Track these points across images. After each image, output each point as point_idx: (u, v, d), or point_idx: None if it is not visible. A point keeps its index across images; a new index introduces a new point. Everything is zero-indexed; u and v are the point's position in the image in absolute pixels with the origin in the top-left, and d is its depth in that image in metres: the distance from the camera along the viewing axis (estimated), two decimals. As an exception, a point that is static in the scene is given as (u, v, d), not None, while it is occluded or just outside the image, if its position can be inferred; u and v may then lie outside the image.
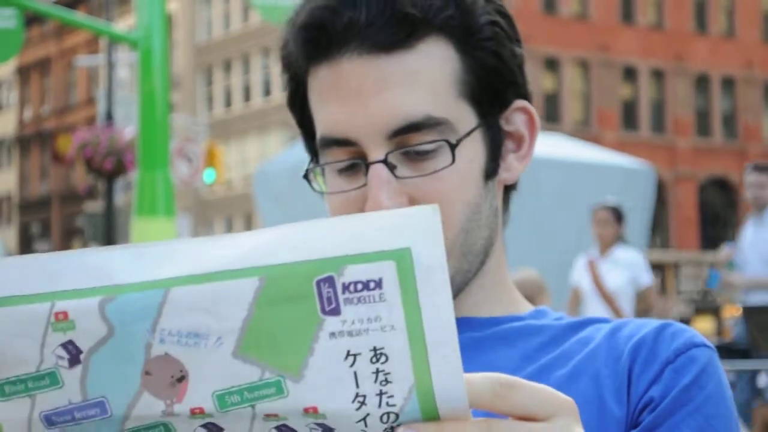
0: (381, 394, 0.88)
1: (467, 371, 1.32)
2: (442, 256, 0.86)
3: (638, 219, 11.40)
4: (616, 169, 11.86)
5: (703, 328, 43.15)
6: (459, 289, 1.35)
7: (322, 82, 1.33)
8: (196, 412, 0.89)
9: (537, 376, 1.30)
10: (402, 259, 0.85)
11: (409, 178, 1.30)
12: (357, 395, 0.88)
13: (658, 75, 48.11)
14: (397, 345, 0.87)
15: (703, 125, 48.94)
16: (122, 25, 39.53)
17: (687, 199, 47.21)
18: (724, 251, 9.52)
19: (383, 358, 0.87)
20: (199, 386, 0.88)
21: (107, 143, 20.93)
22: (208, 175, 24.26)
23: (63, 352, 0.88)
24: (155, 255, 0.88)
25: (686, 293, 46.60)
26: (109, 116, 23.62)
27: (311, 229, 0.86)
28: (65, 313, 0.87)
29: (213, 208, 52.43)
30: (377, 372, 0.87)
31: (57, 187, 62.00)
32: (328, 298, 0.86)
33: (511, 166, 1.40)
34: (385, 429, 0.90)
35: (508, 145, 1.40)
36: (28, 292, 0.88)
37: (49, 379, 0.89)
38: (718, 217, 48.61)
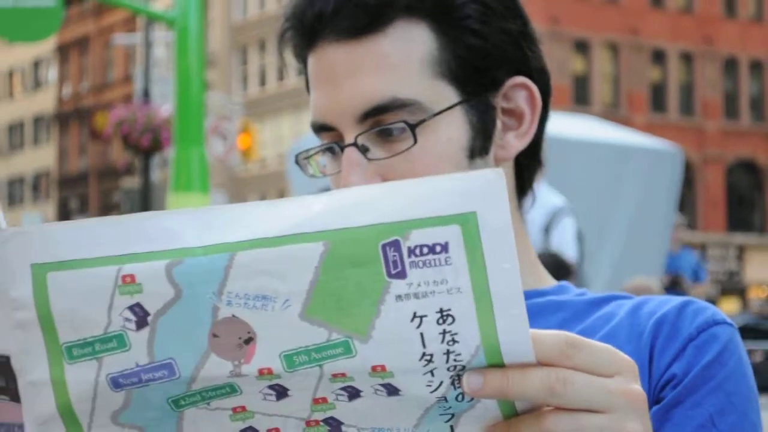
0: (448, 353, 0.88)
1: None
2: (508, 220, 0.86)
3: (665, 200, 11.36)
4: (645, 150, 11.79)
5: (728, 308, 43.00)
6: None
7: (310, 70, 1.36)
8: (264, 373, 0.90)
9: None
10: (467, 222, 0.85)
11: (382, 159, 1.31)
12: (424, 354, 0.88)
13: (686, 58, 47.83)
14: (463, 307, 0.87)
15: (731, 108, 48.65)
16: (159, 4, 39.56)
17: (714, 181, 46.97)
18: None
19: (450, 320, 0.87)
20: (267, 347, 0.89)
21: (144, 120, 20.98)
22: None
23: (130, 315, 0.88)
24: (222, 218, 0.88)
25: (713, 274, 46.35)
26: (146, 94, 23.66)
27: (377, 192, 0.87)
28: (132, 276, 0.87)
29: (247, 185, 52.49)
30: (444, 333, 0.88)
31: (95, 163, 62.18)
32: (394, 262, 0.86)
33: (508, 144, 1.38)
34: (452, 376, 0.90)
35: (507, 122, 1.38)
36: (96, 255, 0.88)
37: (117, 341, 0.89)
38: (745, 199, 48.36)
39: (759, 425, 1.27)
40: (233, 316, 0.88)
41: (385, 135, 1.31)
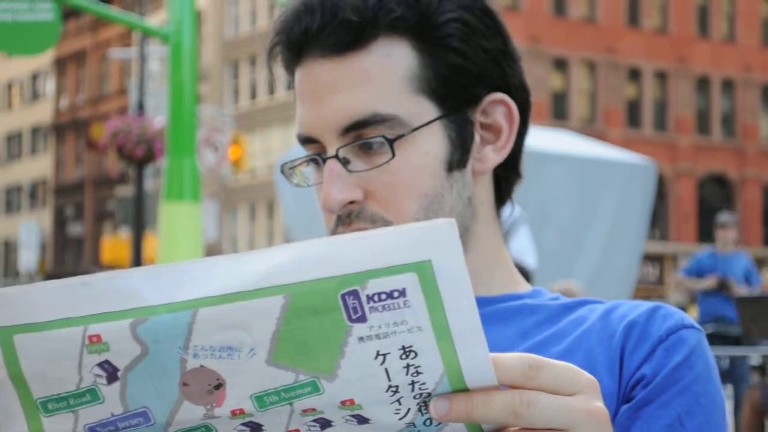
0: (413, 383, 0.89)
1: None
2: (462, 264, 0.86)
3: (639, 212, 11.40)
4: (620, 164, 11.84)
5: (697, 316, 43.05)
6: None
7: (296, 84, 1.36)
8: (236, 413, 0.90)
9: (534, 352, 1.30)
10: (423, 270, 0.85)
11: (362, 171, 1.31)
12: (390, 386, 0.89)
13: (661, 76, 47.97)
14: (424, 343, 0.87)
15: (703, 124, 48.81)
16: (154, 19, 39.55)
17: (686, 194, 47.10)
18: None
19: (412, 354, 0.87)
20: (237, 391, 0.89)
21: (138, 132, 20.94)
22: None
23: (100, 371, 0.88)
24: (185, 276, 0.86)
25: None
26: (140, 106, 23.64)
27: (333, 245, 0.86)
28: (98, 336, 0.87)
29: (237, 195, 52.45)
30: (408, 366, 0.88)
31: (90, 172, 62.06)
32: (354, 308, 0.86)
33: (485, 157, 1.37)
34: (418, 403, 0.90)
35: (486, 136, 1.38)
36: (62, 316, 0.87)
37: (90, 395, 0.89)
38: (715, 211, 48.32)
39: (725, 426, 1.28)
40: (201, 366, 0.87)
41: (365, 148, 1.31)
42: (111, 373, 0.88)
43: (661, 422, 1.24)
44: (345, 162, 1.32)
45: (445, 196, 1.34)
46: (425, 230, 0.85)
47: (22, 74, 69.17)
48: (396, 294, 0.85)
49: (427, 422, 0.92)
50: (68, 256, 63.94)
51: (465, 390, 0.89)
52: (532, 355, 0.93)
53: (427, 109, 1.32)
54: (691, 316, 1.30)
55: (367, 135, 1.31)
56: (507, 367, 0.91)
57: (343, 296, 0.85)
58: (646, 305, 1.33)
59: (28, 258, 50.58)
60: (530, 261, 7.34)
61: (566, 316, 1.36)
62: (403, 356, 0.87)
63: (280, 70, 1.40)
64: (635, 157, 12.64)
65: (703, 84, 48.90)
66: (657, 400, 1.25)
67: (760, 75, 49.85)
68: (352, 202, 1.32)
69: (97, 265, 53.38)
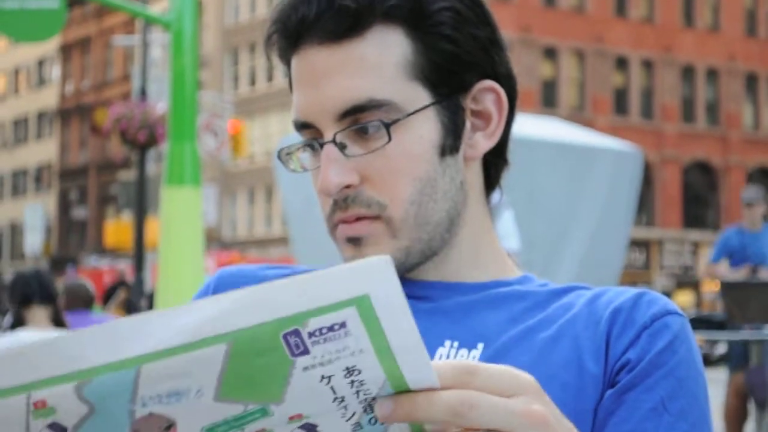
0: (358, 392, 0.89)
1: (455, 334, 1.34)
2: (400, 293, 0.86)
3: (626, 198, 11.39)
4: (608, 151, 11.83)
5: (683, 301, 43.16)
6: (423, 254, 1.35)
7: (293, 71, 1.36)
8: None
9: (522, 338, 1.31)
10: (362, 303, 0.85)
11: (359, 156, 1.31)
12: (336, 398, 0.89)
13: (647, 65, 47.95)
14: (367, 362, 0.87)
15: (688, 112, 48.82)
16: (156, 8, 39.44)
17: (672, 180, 47.13)
18: None
19: (356, 372, 0.88)
20: (188, 428, 0.88)
21: (141, 117, 20.90)
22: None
23: (49, 431, 0.87)
24: (122, 334, 0.84)
25: (669, 268, 46.57)
26: (143, 92, 23.58)
27: (271, 291, 0.85)
28: (43, 402, 0.85)
29: (237, 180, 52.42)
30: (352, 382, 0.88)
31: (94, 156, 61.99)
32: (296, 344, 0.85)
33: (477, 143, 1.38)
34: (364, 406, 0.91)
35: (476, 123, 1.38)
36: (5, 385, 0.85)
37: None
38: (700, 197, 48.54)
39: (707, 410, 1.28)
40: (150, 413, 0.87)
41: (362, 133, 1.31)
42: (61, 431, 0.87)
43: (645, 406, 1.24)
44: (342, 147, 1.31)
45: (438, 180, 1.34)
46: (361, 269, 0.85)
47: (28, 60, 69.02)
48: (337, 327, 0.85)
49: (372, 421, 0.92)
50: (72, 239, 63.89)
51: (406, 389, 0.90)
52: (466, 362, 0.94)
53: (421, 96, 1.32)
54: (676, 302, 1.30)
55: (363, 120, 1.30)
56: (441, 373, 0.91)
57: (284, 336, 0.85)
58: (631, 291, 1.33)
59: (33, 240, 50.50)
60: (513, 244, 7.35)
61: (554, 302, 1.36)
62: (347, 375, 0.88)
63: (277, 58, 1.40)
64: (622, 144, 12.63)
65: (688, 73, 48.89)
66: (641, 385, 1.25)
67: (743, 64, 49.85)
68: (348, 186, 1.32)
69: (100, 247, 53.37)
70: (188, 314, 0.84)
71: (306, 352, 0.86)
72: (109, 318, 9.26)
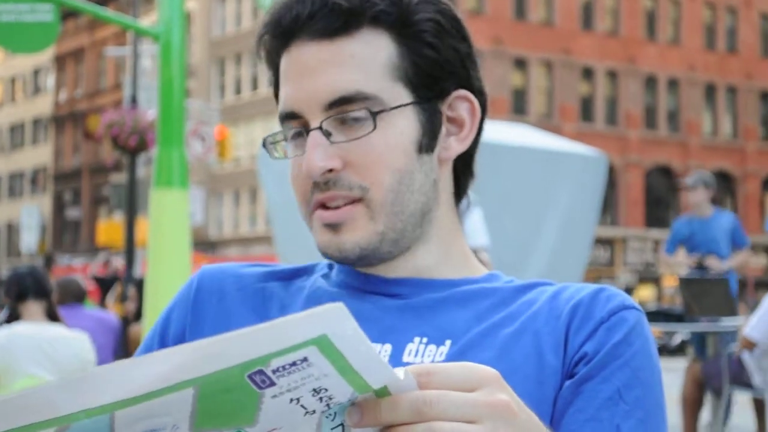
0: (328, 404, 0.90)
1: (425, 331, 1.34)
2: (356, 326, 0.86)
3: (591, 200, 11.43)
4: (575, 155, 11.86)
5: (644, 295, 43.30)
6: (395, 244, 1.36)
7: (284, 67, 1.37)
8: None
9: (487, 334, 1.32)
10: (321, 341, 0.85)
11: (343, 143, 1.32)
12: (307, 412, 0.90)
13: (612, 75, 48.08)
14: (333, 382, 0.88)
15: (650, 119, 48.97)
16: (146, 20, 39.34)
17: (635, 183, 47.27)
18: None
19: (324, 391, 0.88)
20: None
21: (131, 123, 20.81)
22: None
23: None
24: (94, 384, 0.84)
25: (632, 265, 46.71)
26: (134, 100, 23.50)
27: (235, 340, 0.84)
28: None
29: (223, 182, 52.32)
30: (321, 398, 0.89)
31: (87, 160, 61.77)
32: (262, 380, 0.86)
33: (450, 146, 1.40)
34: (329, 413, 0.92)
35: (450, 128, 1.40)
36: None
37: None
38: (661, 199, 48.69)
39: (662, 399, 1.28)
40: None
41: (348, 122, 1.33)
42: None
43: (601, 395, 1.24)
44: (327, 134, 1.33)
45: (415, 174, 1.35)
46: (319, 313, 0.85)
47: (24, 70, 68.78)
48: (299, 362, 0.86)
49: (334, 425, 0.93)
50: (66, 238, 63.66)
51: (369, 390, 0.91)
52: (422, 365, 0.94)
53: (403, 95, 1.34)
54: (638, 297, 1.30)
55: (350, 110, 1.32)
56: (402, 380, 0.92)
57: (249, 376, 0.85)
58: (591, 287, 1.34)
59: (29, 239, 50.26)
60: (483, 240, 7.37)
61: (518, 298, 1.37)
62: (315, 394, 0.88)
63: (263, 67, 1.41)
64: (588, 150, 12.67)
65: (650, 82, 49.04)
66: (598, 376, 1.25)
67: (702, 75, 50.05)
68: (331, 171, 1.33)
69: (93, 246, 53.18)
70: (155, 364, 0.84)
71: (272, 384, 0.86)
72: (104, 313, 9.22)
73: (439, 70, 1.36)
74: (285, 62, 1.37)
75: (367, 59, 1.33)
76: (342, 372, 0.87)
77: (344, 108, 1.32)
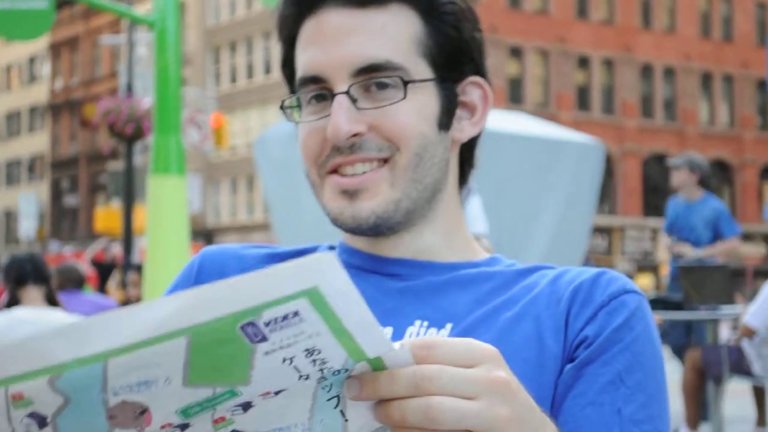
0: (322, 370, 0.89)
1: (425, 314, 1.34)
2: (348, 281, 0.85)
3: (589, 188, 11.42)
4: (571, 144, 11.85)
5: (643, 283, 43.34)
6: (407, 214, 1.36)
7: (307, 32, 1.37)
8: (165, 426, 0.89)
9: (487, 317, 1.32)
10: (312, 293, 0.84)
11: (369, 109, 1.33)
12: (301, 376, 0.89)
13: (608, 64, 48.07)
14: (326, 342, 0.87)
15: (647, 108, 48.98)
16: (141, 8, 39.27)
17: (632, 171, 47.29)
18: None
19: (317, 352, 0.87)
20: (162, 411, 0.88)
21: (128, 111, 20.81)
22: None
23: (30, 420, 0.87)
24: (88, 331, 0.84)
25: (630, 253, 46.75)
26: (129, 88, 23.50)
27: (224, 288, 0.84)
28: (20, 394, 0.86)
29: (219, 170, 52.31)
30: (314, 361, 0.88)
31: (84, 148, 61.74)
32: (255, 333, 0.85)
33: (464, 128, 1.42)
34: (325, 384, 0.91)
35: (463, 112, 1.42)
36: None
37: None
38: (658, 188, 48.69)
39: (664, 383, 1.28)
40: (123, 401, 0.87)
41: (376, 89, 1.33)
42: (40, 420, 0.87)
43: (602, 379, 1.24)
44: (353, 99, 1.33)
45: (437, 147, 1.37)
46: (309, 263, 0.84)
47: (20, 58, 68.68)
48: (291, 315, 0.85)
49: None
50: (64, 225, 63.65)
51: (365, 358, 0.89)
52: (425, 337, 0.94)
53: (427, 71, 1.37)
54: (637, 285, 1.29)
55: (380, 77, 1.33)
56: (399, 353, 0.91)
57: (241, 327, 0.84)
58: (592, 271, 1.33)
59: (27, 226, 50.30)
60: (481, 227, 7.37)
61: (519, 282, 1.36)
62: (308, 355, 0.87)
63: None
64: (585, 138, 12.66)
65: (646, 71, 49.04)
66: (599, 359, 1.25)
67: (698, 63, 50.04)
68: (356, 135, 1.33)
69: (91, 233, 53.18)
70: (149, 311, 0.84)
71: (264, 339, 0.85)
72: (103, 299, 9.23)
73: (459, 53, 1.39)
74: (310, 27, 1.37)
75: (397, 31, 1.35)
76: (335, 332, 0.86)
77: (373, 75, 1.33)
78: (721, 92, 51.15)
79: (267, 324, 0.85)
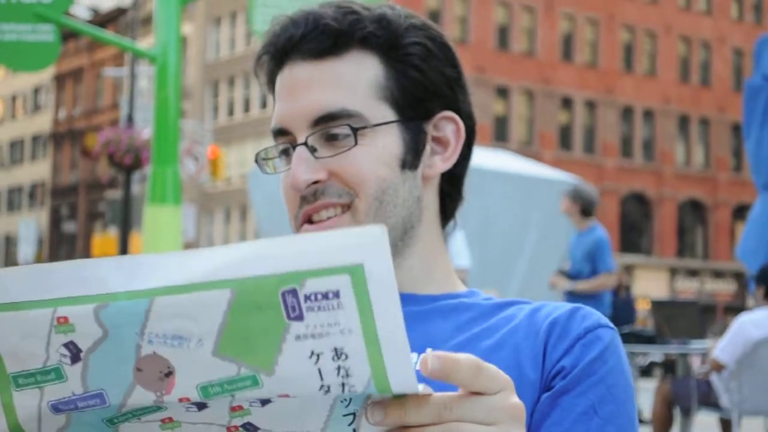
0: (343, 385, 0.87)
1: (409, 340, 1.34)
2: (391, 271, 0.84)
3: (568, 224, 11.45)
4: (553, 182, 11.90)
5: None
6: None
7: (278, 86, 1.39)
8: (183, 401, 0.89)
9: (468, 344, 1.32)
10: (356, 273, 0.84)
11: (327, 157, 1.33)
12: (322, 386, 0.87)
13: (590, 105, 48.24)
14: (355, 346, 0.86)
15: (626, 148, 49.13)
16: (144, 43, 39.35)
17: (610, 209, 47.37)
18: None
19: (344, 357, 0.86)
20: (185, 380, 0.87)
21: (127, 142, 20.83)
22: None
23: (65, 351, 0.87)
24: (142, 267, 0.85)
25: (606, 288, 46.75)
26: (130, 119, 23.52)
27: (276, 245, 0.85)
28: (66, 318, 0.86)
29: (214, 201, 52.26)
30: (339, 368, 0.86)
31: (84, 176, 61.66)
32: (293, 307, 0.84)
33: (434, 164, 1.40)
34: (344, 398, 0.89)
35: (435, 147, 1.40)
36: (34, 298, 0.87)
37: (55, 374, 0.88)
38: (636, 225, 48.81)
39: (634, 415, 1.28)
40: (154, 353, 0.86)
41: (332, 138, 1.33)
42: (75, 353, 0.87)
43: (577, 409, 1.25)
44: (312, 150, 1.34)
45: (399, 187, 1.36)
46: (359, 234, 0.84)
47: (25, 88, 68.71)
48: (330, 295, 0.84)
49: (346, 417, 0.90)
50: (62, 251, 63.46)
51: (389, 392, 0.88)
52: (450, 354, 0.91)
53: (387, 114, 1.35)
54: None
55: (333, 126, 1.33)
56: (462, 366, 0.90)
57: (283, 294, 0.84)
58: (567, 306, 1.34)
59: (26, 251, 50.14)
60: (464, 262, 7.37)
61: (497, 314, 1.37)
62: (335, 357, 0.86)
63: (255, 89, 1.42)
64: (566, 176, 12.71)
65: (627, 113, 49.23)
66: (574, 390, 1.26)
67: (677, 106, 50.26)
68: (316, 182, 1.34)
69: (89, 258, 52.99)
70: (202, 258, 0.85)
71: (300, 317, 0.85)
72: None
73: (423, 91, 1.37)
74: (279, 82, 1.38)
75: (354, 79, 1.34)
76: (366, 335, 0.85)
77: (329, 125, 1.33)
78: (697, 134, 51.34)
79: (307, 297, 0.84)
